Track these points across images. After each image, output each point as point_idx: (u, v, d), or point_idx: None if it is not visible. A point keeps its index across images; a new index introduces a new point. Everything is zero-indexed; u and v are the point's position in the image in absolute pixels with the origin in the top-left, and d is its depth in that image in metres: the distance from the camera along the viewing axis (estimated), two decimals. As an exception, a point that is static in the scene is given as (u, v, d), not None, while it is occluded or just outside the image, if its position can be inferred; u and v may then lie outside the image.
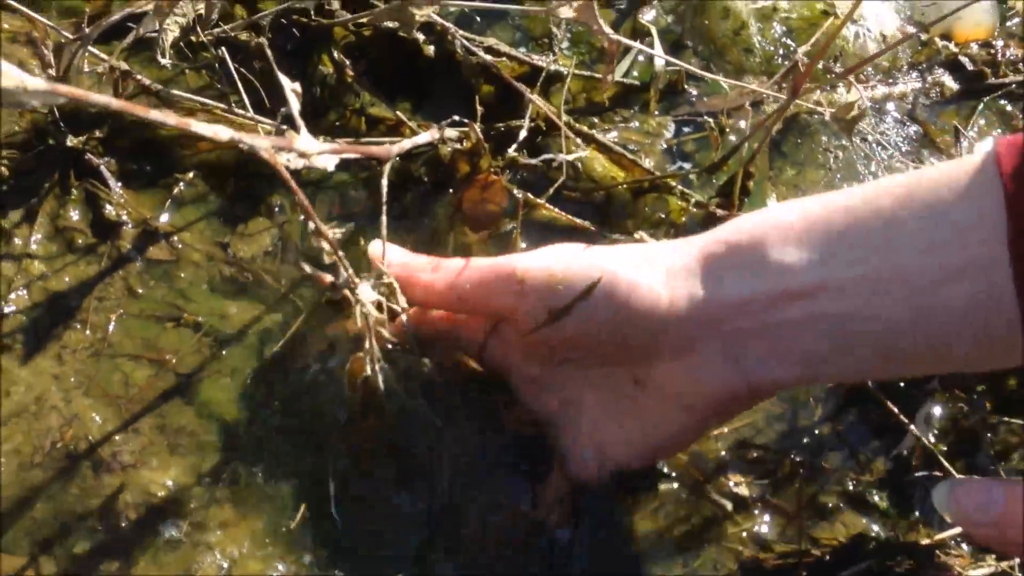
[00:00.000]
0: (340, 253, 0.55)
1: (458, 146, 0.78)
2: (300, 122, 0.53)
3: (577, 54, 0.93)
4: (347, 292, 0.56)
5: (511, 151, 0.80)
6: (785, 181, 0.89)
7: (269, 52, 0.75)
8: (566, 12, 0.69)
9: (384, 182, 0.63)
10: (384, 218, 0.63)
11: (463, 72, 0.85)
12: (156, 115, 0.38)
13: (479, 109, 0.81)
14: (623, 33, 0.97)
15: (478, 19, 0.93)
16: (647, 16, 0.98)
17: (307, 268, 0.55)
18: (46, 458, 0.67)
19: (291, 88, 0.54)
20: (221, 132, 0.42)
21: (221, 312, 0.75)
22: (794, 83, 0.68)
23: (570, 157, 0.78)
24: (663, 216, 0.82)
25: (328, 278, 0.56)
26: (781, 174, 0.90)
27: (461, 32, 0.82)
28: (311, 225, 0.52)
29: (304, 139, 0.51)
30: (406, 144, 0.67)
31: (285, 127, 0.49)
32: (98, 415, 0.69)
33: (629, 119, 0.89)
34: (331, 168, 0.53)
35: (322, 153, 0.52)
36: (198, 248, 0.77)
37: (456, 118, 0.78)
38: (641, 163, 0.84)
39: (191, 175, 0.80)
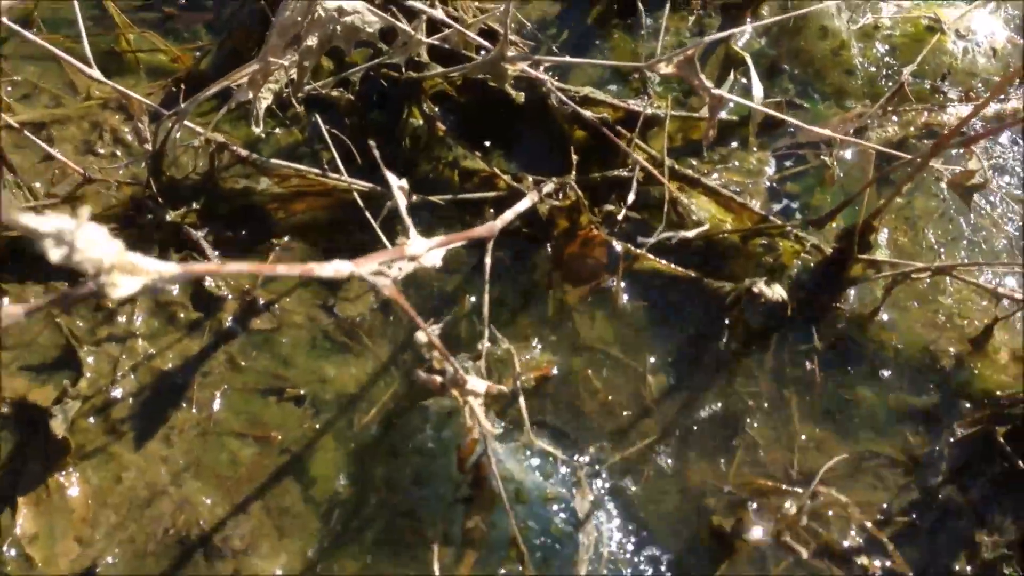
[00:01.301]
0: (449, 357, 0.53)
1: (555, 202, 0.76)
2: (409, 222, 0.52)
3: (668, 89, 0.90)
4: (456, 392, 0.54)
5: (611, 207, 0.77)
6: (894, 210, 0.85)
7: (375, 152, 0.73)
8: (665, 69, 0.66)
9: (488, 261, 0.61)
10: (487, 299, 0.61)
11: (555, 117, 0.82)
12: (281, 269, 0.37)
13: (574, 159, 0.78)
14: (716, 60, 0.94)
15: (566, 57, 0.91)
16: (740, 41, 0.94)
17: (421, 375, 0.54)
18: (159, 546, 0.67)
19: (398, 185, 0.52)
20: (342, 268, 0.41)
21: (322, 376, 0.74)
22: (930, 149, 0.64)
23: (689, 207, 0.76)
24: (772, 260, 0.79)
25: (438, 380, 0.54)
26: (889, 203, 0.86)
27: (556, 84, 0.79)
28: (421, 335, 0.50)
29: (415, 243, 0.49)
30: (508, 216, 0.64)
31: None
32: (208, 498, 0.69)
33: (728, 156, 0.86)
34: (439, 264, 0.51)
35: (430, 250, 0.51)
36: (299, 312, 0.76)
37: (554, 180, 0.76)
38: (750, 206, 0.81)
39: (287, 239, 0.79)
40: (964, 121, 0.67)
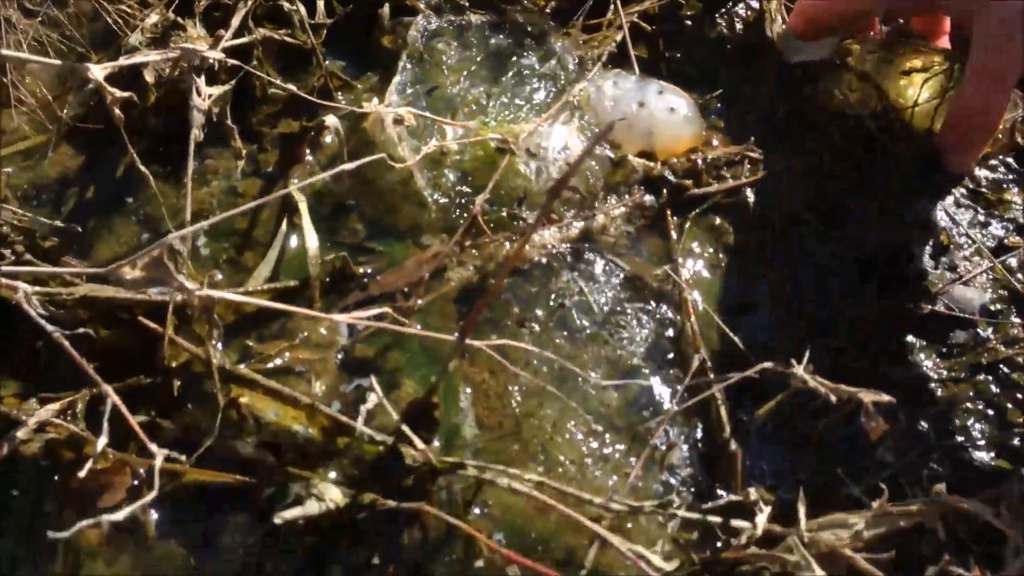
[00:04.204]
0: None
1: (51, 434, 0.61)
2: None
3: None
4: None
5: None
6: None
7: None
8: (131, 273, 0.54)
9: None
10: None
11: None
12: None
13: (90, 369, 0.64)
14: (272, 206, 0.82)
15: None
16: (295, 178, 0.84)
17: None
18: None
19: None
20: None
21: None
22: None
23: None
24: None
25: None
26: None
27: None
28: None
29: None
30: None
31: None
32: None
33: (293, 328, 0.76)
34: None
35: None
36: None
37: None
38: (321, 408, 0.69)
39: None
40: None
